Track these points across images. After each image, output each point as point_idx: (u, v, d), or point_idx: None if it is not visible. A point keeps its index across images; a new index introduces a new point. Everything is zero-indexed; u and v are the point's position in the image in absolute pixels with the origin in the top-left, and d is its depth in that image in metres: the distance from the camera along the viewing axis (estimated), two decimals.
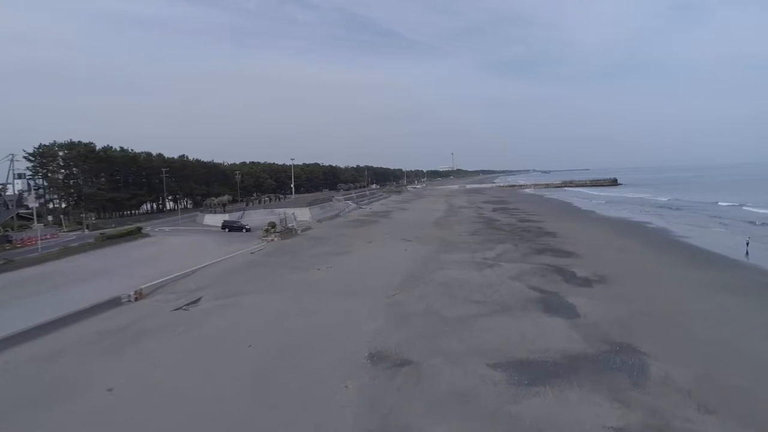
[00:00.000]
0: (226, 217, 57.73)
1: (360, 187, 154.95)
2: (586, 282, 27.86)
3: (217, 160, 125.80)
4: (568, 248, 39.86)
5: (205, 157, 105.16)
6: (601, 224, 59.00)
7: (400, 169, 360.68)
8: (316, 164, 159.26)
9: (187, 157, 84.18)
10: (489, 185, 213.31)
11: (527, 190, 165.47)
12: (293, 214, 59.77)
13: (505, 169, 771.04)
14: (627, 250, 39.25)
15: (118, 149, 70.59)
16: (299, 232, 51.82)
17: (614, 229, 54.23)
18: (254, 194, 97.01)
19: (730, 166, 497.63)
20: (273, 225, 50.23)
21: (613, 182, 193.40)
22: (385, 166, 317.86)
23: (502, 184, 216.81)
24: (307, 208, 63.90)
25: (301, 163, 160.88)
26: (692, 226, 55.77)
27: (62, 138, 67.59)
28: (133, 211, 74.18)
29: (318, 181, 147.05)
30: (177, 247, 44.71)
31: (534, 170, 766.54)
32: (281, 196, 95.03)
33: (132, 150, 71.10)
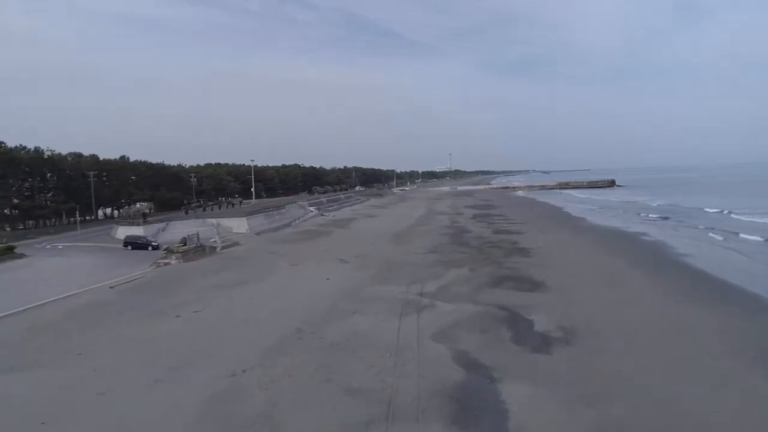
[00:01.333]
0: (140, 230, 48.58)
1: (341, 190, 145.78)
2: (545, 343, 18.72)
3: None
4: (537, 275, 30.74)
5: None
6: (588, 236, 49.86)
7: (394, 170, 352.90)
8: (296, 165, 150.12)
9: (128, 158, 75.04)
10: (482, 187, 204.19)
11: (519, 192, 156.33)
12: (228, 226, 50.67)
13: (505, 169, 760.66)
14: (612, 276, 30.15)
15: (32, 149, 61.50)
16: (218, 249, 42.70)
17: (602, 243, 45.18)
18: (217, 198, 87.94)
19: (731, 166, 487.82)
20: (184, 242, 41.09)
21: (611, 183, 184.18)
22: (381, 168, 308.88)
23: (496, 186, 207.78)
24: (245, 218, 54.68)
25: (290, 164, 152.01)
26: (690, 239, 46.62)
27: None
28: (54, 221, 64.99)
29: (296, 182, 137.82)
30: (41, 274, 35.56)
31: (534, 171, 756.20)
32: (233, 201, 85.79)
33: (53, 151, 62.00)
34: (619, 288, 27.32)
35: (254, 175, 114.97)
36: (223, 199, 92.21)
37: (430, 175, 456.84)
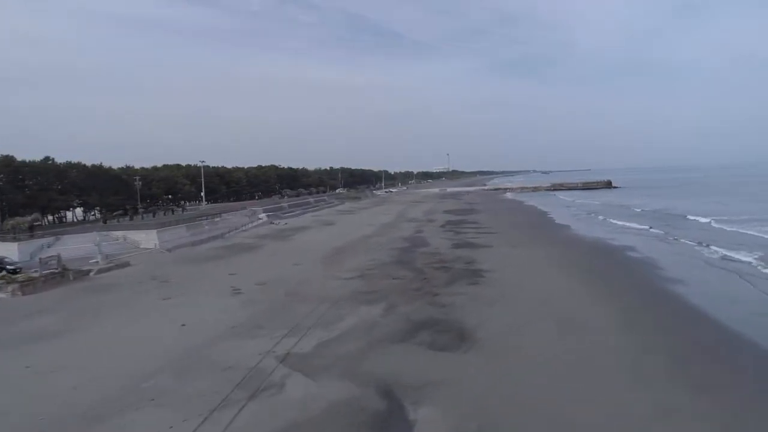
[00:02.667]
0: (14, 248, 39.96)
1: (317, 192, 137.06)
2: None
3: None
4: (472, 318, 22.30)
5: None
6: (563, 251, 41.26)
7: (386, 171, 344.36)
8: (272, 166, 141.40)
9: (52, 160, 66.41)
10: (474, 188, 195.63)
11: (509, 195, 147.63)
12: (135, 240, 42.08)
13: (505, 169, 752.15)
14: (578, 319, 21.46)
15: None
16: (93, 273, 34.05)
17: (578, 261, 36.73)
18: (165, 203, 79.34)
19: (731, 166, 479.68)
20: (47, 263, 32.49)
21: (608, 185, 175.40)
22: (373, 168, 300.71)
23: (488, 187, 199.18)
24: (155, 231, 45.95)
25: (266, 165, 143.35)
26: (682, 257, 38.05)
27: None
28: None
29: (269, 184, 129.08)
30: None
31: (534, 171, 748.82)
32: (173, 208, 77.00)
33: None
34: (583, 344, 18.65)
35: (220, 177, 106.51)
36: (174, 204, 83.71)
37: (426, 176, 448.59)
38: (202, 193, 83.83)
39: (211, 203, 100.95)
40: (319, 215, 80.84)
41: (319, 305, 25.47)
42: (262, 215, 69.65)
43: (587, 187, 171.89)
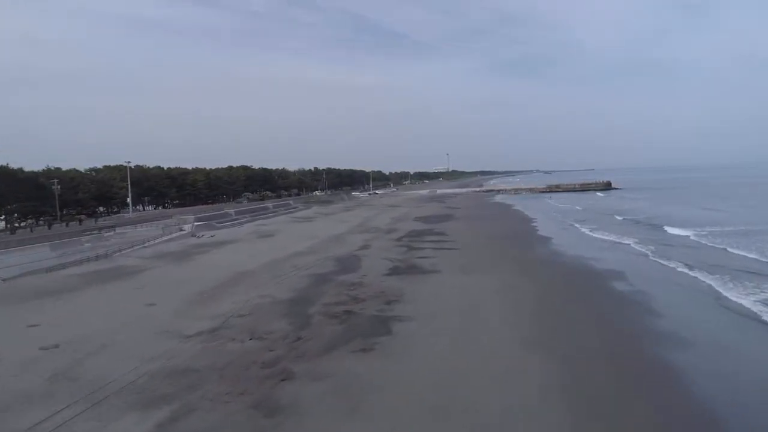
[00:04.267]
0: None
1: (288, 195, 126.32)
2: None
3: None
4: None
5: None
6: (532, 280, 30.67)
7: (380, 171, 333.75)
8: (243, 167, 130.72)
9: None
10: (465, 190, 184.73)
11: (498, 198, 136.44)
12: None
13: (507, 169, 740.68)
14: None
15: None
16: None
17: (546, 296, 26.15)
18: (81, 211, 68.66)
19: (732, 166, 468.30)
20: None
21: (607, 186, 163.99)
22: (373, 169, 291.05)
23: (482, 189, 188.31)
24: None
25: (237, 165, 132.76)
26: (686, 291, 27.21)
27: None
28: None
29: (235, 187, 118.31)
30: None
31: (537, 171, 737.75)
32: (80, 217, 66.15)
33: None
34: None
35: (172, 179, 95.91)
36: (109, 210, 73.07)
37: (423, 176, 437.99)
38: (129, 199, 72.85)
39: (163, 209, 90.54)
40: (265, 224, 69.97)
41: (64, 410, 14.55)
42: (189, 226, 58.87)
43: (586, 188, 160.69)
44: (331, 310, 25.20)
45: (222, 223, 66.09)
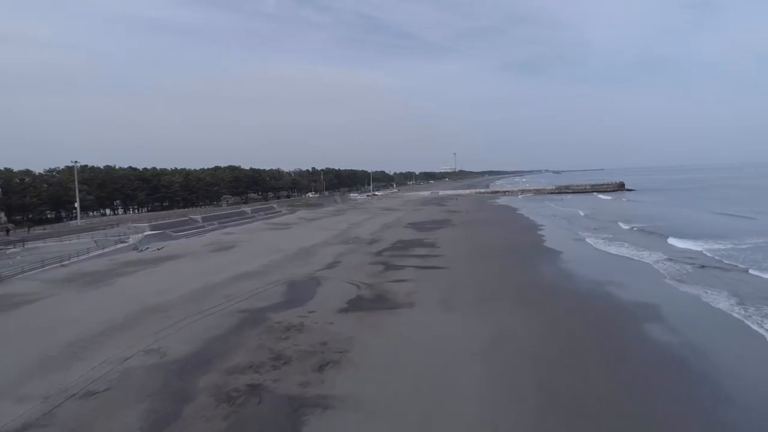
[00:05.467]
0: None
1: (275, 198, 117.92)
2: None
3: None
4: None
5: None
6: (538, 327, 21.81)
7: (384, 172, 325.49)
8: (231, 167, 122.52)
9: None
10: (470, 191, 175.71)
11: (502, 200, 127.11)
12: None
13: (516, 169, 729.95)
14: None
15: None
16: None
17: (557, 371, 16.96)
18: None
19: (747, 165, 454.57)
20: None
21: (620, 187, 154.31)
22: (376, 169, 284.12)
23: (485, 190, 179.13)
24: None
25: (223, 166, 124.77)
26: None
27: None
28: None
29: (219, 189, 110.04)
30: None
31: (546, 170, 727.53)
32: (8, 227, 57.87)
33: None
34: None
35: (145, 181, 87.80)
36: (66, 214, 65.01)
37: (429, 177, 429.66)
38: (77, 204, 64.62)
39: (134, 213, 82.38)
40: (232, 233, 61.54)
41: None
42: (140, 236, 50.59)
43: (597, 189, 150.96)
44: (229, 383, 16.65)
45: (182, 231, 57.84)
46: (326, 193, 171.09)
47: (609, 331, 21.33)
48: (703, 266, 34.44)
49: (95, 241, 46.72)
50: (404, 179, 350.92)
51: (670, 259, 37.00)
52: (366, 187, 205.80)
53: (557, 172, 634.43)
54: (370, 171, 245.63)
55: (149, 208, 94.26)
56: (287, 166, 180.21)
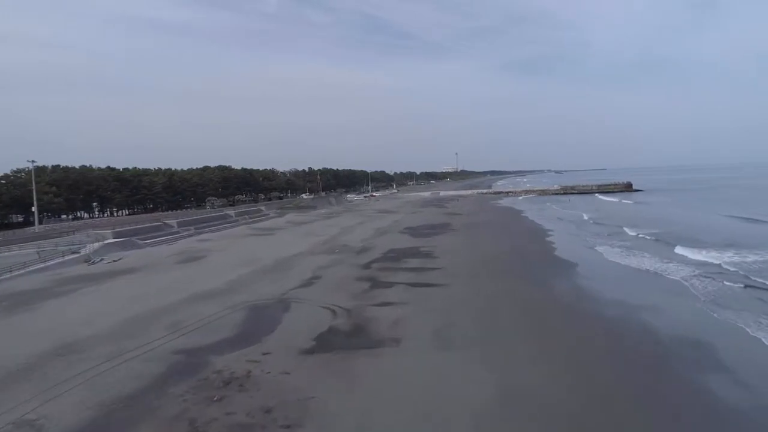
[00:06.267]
0: None
1: (266, 199, 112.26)
2: None
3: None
4: None
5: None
6: (562, 375, 15.71)
7: (384, 172, 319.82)
8: (221, 167, 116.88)
9: None
10: (471, 192, 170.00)
11: (504, 202, 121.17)
12: None
13: (518, 169, 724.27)
14: None
15: None
16: None
17: None
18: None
19: (751, 165, 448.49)
20: None
21: (628, 187, 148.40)
22: (376, 169, 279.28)
23: (490, 191, 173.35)
24: None
25: (214, 166, 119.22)
26: None
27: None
28: None
29: (205, 190, 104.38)
30: None
31: (548, 170, 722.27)
32: None
33: None
34: None
35: (123, 182, 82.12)
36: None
37: (430, 177, 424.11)
38: (34, 208, 58.65)
39: (111, 216, 76.76)
40: (208, 240, 55.91)
41: None
42: (97, 245, 44.93)
43: (604, 190, 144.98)
44: None
45: (152, 238, 52.22)
46: (323, 194, 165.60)
47: (655, 386, 15.63)
48: (745, 286, 28.68)
49: (38, 253, 41.03)
50: (405, 179, 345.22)
51: (700, 275, 31.30)
52: (365, 187, 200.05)
53: (559, 172, 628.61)
54: (369, 171, 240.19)
55: (130, 211, 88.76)
56: (285, 167, 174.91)
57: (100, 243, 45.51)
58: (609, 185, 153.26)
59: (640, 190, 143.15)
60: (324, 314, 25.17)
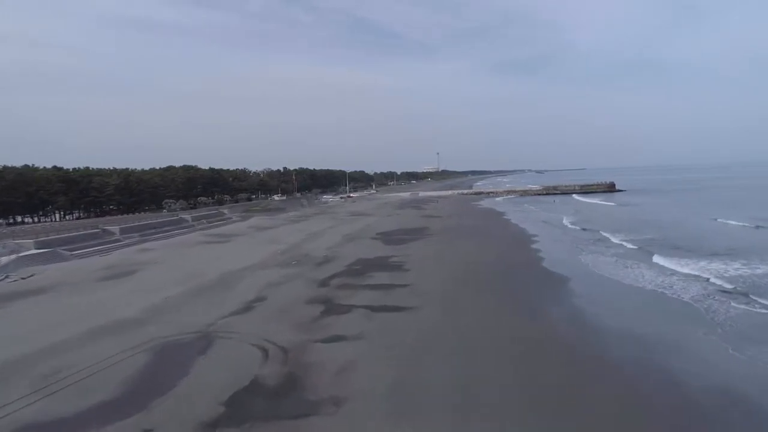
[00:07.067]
0: None
1: (234, 202, 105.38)
2: None
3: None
4: None
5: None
6: None
7: (362, 171, 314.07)
8: (187, 167, 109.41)
9: None
10: (452, 192, 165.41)
11: (483, 203, 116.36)
12: None
13: (499, 169, 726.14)
14: None
15: None
16: None
17: None
18: None
19: (730, 166, 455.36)
20: None
21: (611, 187, 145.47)
22: (354, 169, 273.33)
23: (468, 191, 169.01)
24: None
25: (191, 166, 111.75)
26: None
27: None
28: None
29: (168, 191, 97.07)
30: None
31: (529, 170, 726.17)
32: None
33: None
34: None
35: (68, 183, 74.54)
36: None
37: (411, 176, 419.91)
38: None
39: (57, 221, 69.21)
40: (153, 248, 49.43)
41: None
42: (6, 258, 38.15)
43: (587, 190, 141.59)
44: None
45: (85, 248, 45.54)
46: (298, 194, 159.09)
47: None
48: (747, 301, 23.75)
49: None
50: (385, 179, 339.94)
51: (710, 296, 26.33)
52: (342, 188, 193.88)
53: (540, 172, 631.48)
54: (348, 171, 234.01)
55: (84, 215, 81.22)
56: (261, 167, 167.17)
57: (15, 255, 38.77)
58: (592, 185, 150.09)
59: (623, 191, 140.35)
60: (252, 357, 19.30)
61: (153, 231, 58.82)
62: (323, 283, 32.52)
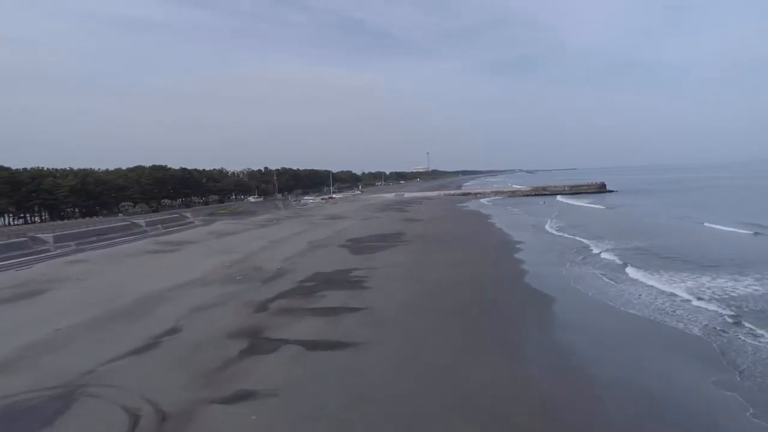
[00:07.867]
0: None
1: (204, 204, 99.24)
2: None
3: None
4: None
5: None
6: None
7: (349, 171, 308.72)
8: (156, 167, 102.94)
9: None
10: (439, 192, 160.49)
11: (470, 205, 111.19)
12: None
13: (490, 169, 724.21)
14: None
15: None
16: None
17: None
18: None
19: (720, 166, 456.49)
20: None
21: (601, 188, 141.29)
22: (341, 169, 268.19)
23: (455, 192, 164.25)
24: None
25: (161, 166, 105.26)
26: None
27: None
28: None
29: (132, 193, 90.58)
30: None
31: (520, 170, 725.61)
32: None
33: None
34: None
35: (15, 185, 68.20)
36: None
37: (400, 177, 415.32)
38: None
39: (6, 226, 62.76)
40: (85, 259, 43.85)
41: None
42: None
43: (576, 191, 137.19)
44: None
45: (2, 260, 39.33)
46: (280, 195, 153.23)
47: None
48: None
49: None
50: (373, 179, 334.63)
51: (724, 330, 21.19)
52: (326, 188, 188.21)
53: (531, 172, 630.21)
54: (334, 171, 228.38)
55: (36, 219, 74.83)
56: (244, 167, 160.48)
57: None
58: (581, 186, 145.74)
59: (614, 191, 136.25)
60: (113, 429, 13.70)
61: (94, 239, 52.76)
62: (261, 307, 27.04)
